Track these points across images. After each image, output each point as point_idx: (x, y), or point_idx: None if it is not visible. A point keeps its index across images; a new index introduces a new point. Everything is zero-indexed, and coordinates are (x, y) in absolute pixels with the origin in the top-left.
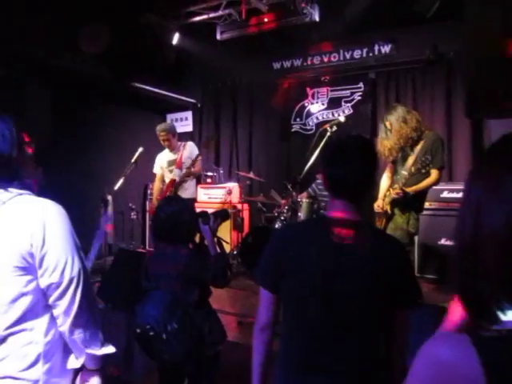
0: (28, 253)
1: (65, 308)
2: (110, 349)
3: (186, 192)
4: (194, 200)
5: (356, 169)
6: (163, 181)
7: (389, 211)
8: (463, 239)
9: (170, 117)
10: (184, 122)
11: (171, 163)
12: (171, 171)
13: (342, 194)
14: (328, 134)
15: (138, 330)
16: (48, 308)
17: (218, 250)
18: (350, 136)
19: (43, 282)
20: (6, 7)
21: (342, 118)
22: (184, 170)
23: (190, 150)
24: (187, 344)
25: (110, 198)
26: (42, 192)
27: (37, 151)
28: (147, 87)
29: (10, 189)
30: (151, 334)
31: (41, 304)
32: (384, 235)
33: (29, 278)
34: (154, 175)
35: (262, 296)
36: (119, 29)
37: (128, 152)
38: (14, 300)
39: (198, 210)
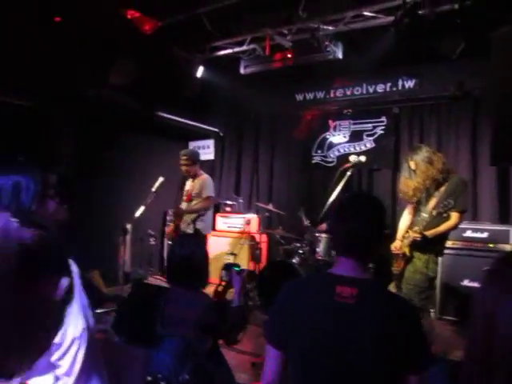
0: None
1: (66, 369)
2: None
3: (186, 227)
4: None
5: (367, 225)
6: None
7: (407, 254)
8: (473, 345)
9: (192, 144)
10: (206, 150)
11: (186, 193)
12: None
13: (351, 250)
14: (348, 173)
15: (149, 378)
16: (52, 366)
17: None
18: (360, 194)
19: None
20: (33, 41)
21: (362, 158)
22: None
23: (201, 186)
24: None
25: (129, 226)
26: (66, 228)
27: (62, 181)
28: (171, 116)
29: None
30: (162, 383)
31: (45, 362)
32: (392, 296)
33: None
34: (174, 202)
35: (268, 352)
36: (146, 61)
37: (150, 180)
38: None
39: (212, 237)
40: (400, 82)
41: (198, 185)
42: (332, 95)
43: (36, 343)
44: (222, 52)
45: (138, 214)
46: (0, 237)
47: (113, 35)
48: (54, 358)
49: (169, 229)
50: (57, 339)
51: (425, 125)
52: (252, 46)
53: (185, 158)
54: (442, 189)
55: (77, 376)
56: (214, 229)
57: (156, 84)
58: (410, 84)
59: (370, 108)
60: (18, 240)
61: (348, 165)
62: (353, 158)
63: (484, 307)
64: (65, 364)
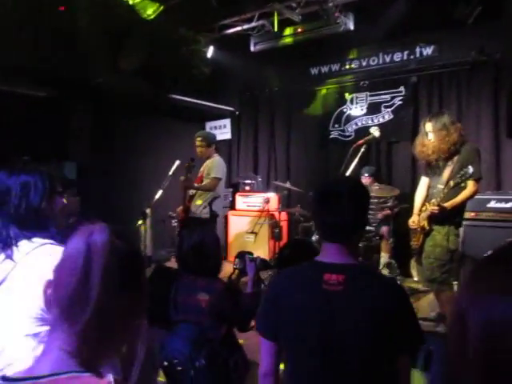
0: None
1: None
2: None
3: (200, 210)
4: (205, 220)
5: (345, 213)
6: None
7: (426, 227)
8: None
9: (208, 125)
10: (223, 130)
11: (199, 174)
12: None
13: (334, 238)
14: (362, 149)
15: (166, 363)
16: None
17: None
18: (338, 179)
19: None
20: (47, 34)
21: (376, 133)
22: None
23: (210, 166)
24: (214, 380)
25: (148, 210)
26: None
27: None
28: (185, 98)
29: (34, 239)
30: (179, 368)
31: None
32: (380, 279)
33: (47, 328)
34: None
35: (262, 344)
36: (156, 44)
37: (168, 162)
38: (34, 348)
39: (231, 216)
40: (418, 50)
41: (208, 166)
42: (347, 67)
43: (120, 340)
44: (231, 30)
45: (156, 197)
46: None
47: (119, 21)
48: None
49: (179, 209)
50: None
51: (444, 93)
52: (261, 23)
53: (199, 139)
54: (455, 158)
55: None
56: (233, 208)
57: (167, 67)
58: (428, 51)
59: (387, 78)
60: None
61: (361, 142)
62: (373, 130)
63: (458, 306)
64: None
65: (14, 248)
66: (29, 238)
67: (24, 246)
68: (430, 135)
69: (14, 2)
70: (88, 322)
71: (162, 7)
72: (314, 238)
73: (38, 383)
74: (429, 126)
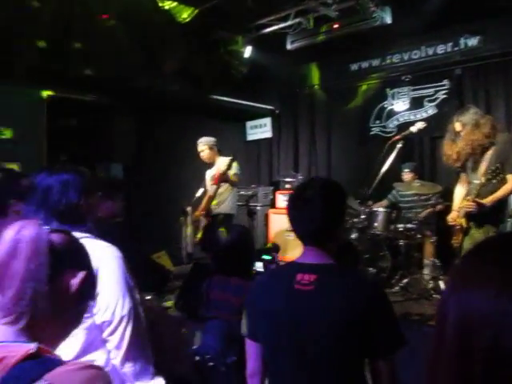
0: None
1: (116, 343)
2: (159, 381)
3: (222, 207)
4: (229, 216)
5: (315, 219)
6: None
7: (463, 225)
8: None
9: (249, 124)
10: (263, 129)
11: (211, 178)
12: (211, 186)
13: (308, 237)
14: (399, 145)
15: (198, 358)
16: (105, 342)
17: None
18: (312, 181)
19: (97, 320)
20: (92, 41)
21: (413, 129)
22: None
23: (224, 166)
24: (244, 378)
25: (189, 209)
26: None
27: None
28: (225, 98)
29: (72, 233)
30: (210, 364)
31: (99, 338)
32: (355, 278)
33: (87, 315)
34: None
35: (247, 345)
36: (194, 46)
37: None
38: (77, 334)
39: (272, 214)
40: (462, 41)
41: (223, 165)
42: (388, 61)
43: (61, 323)
44: (268, 29)
45: (196, 195)
46: (34, 241)
47: (157, 25)
48: (105, 334)
49: (198, 212)
50: (107, 317)
51: (491, 85)
52: (297, 20)
53: (201, 144)
54: (490, 152)
55: (126, 349)
56: (274, 206)
57: (206, 68)
58: (472, 42)
59: (430, 72)
60: (48, 242)
61: (397, 137)
62: (415, 127)
63: (441, 297)
64: (114, 339)
65: None
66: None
67: None
68: (461, 134)
69: (57, 11)
70: (14, 301)
71: (196, 11)
72: (354, 235)
73: None
74: (458, 126)
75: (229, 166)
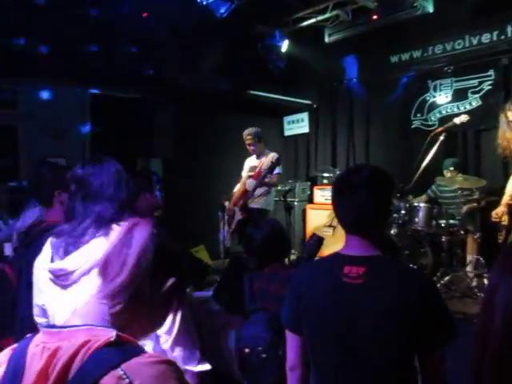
0: None
1: (167, 328)
2: (205, 366)
3: (255, 202)
4: (265, 211)
5: (363, 206)
6: (245, 185)
7: (503, 222)
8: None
9: (286, 119)
10: (300, 124)
11: (252, 169)
12: (249, 177)
13: (355, 226)
14: (441, 138)
15: (247, 350)
16: None
17: None
18: (358, 168)
19: None
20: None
21: (457, 121)
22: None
23: (269, 160)
24: None
25: (227, 203)
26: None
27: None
28: (263, 93)
29: (113, 225)
30: (263, 356)
31: None
32: (404, 270)
33: None
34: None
35: (288, 337)
36: (232, 43)
37: (247, 156)
38: None
39: (309, 210)
40: (509, 29)
41: (267, 162)
42: (430, 52)
43: (149, 319)
44: (305, 23)
45: (234, 190)
46: (147, 239)
47: (195, 22)
48: None
49: (231, 205)
50: None
51: None
52: (335, 13)
53: (249, 137)
54: None
55: (175, 335)
56: (311, 201)
57: (244, 63)
58: None
59: (474, 62)
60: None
61: (440, 129)
62: (459, 120)
63: (490, 282)
64: (166, 324)
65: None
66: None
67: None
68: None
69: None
70: (119, 288)
71: (233, 5)
72: (393, 231)
73: (66, 331)
74: (510, 114)
75: (271, 169)
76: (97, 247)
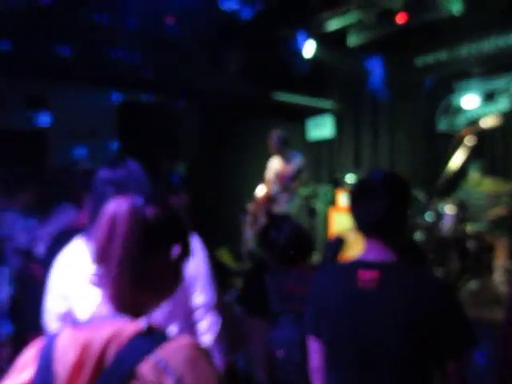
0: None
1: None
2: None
3: (279, 206)
4: (288, 216)
5: (379, 209)
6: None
7: None
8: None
9: (310, 123)
10: (324, 127)
11: (277, 174)
12: (274, 182)
13: (372, 230)
14: (468, 140)
15: (281, 354)
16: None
17: None
18: (379, 171)
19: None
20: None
21: (484, 123)
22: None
23: (296, 165)
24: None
25: (250, 206)
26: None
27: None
28: (286, 96)
29: None
30: (297, 359)
31: (179, 310)
32: (420, 276)
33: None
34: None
35: (310, 341)
36: (256, 45)
37: (269, 160)
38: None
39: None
40: None
41: (292, 167)
42: (456, 54)
43: (159, 292)
44: (330, 26)
45: (257, 191)
46: (129, 213)
47: (220, 25)
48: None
49: (254, 207)
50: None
51: None
52: (359, 15)
53: (275, 138)
54: None
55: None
56: (335, 205)
57: (268, 66)
58: None
59: (503, 62)
60: (142, 215)
61: (466, 131)
62: (486, 122)
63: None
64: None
65: None
66: None
67: None
68: None
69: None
70: (118, 276)
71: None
72: (419, 236)
73: (93, 325)
74: None
75: (295, 178)
76: None
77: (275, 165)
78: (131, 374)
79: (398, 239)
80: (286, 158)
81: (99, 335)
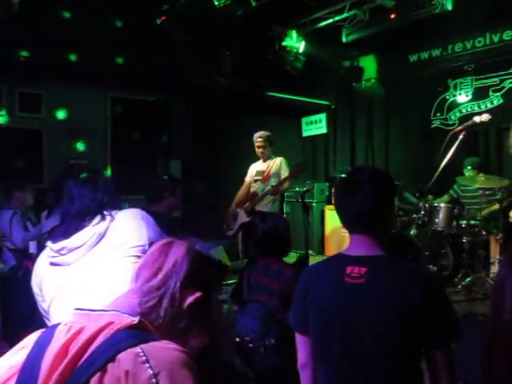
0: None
1: None
2: None
3: (262, 206)
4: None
5: (365, 203)
6: (249, 189)
7: None
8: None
9: (304, 120)
10: (319, 124)
11: (259, 173)
12: (256, 181)
13: (358, 226)
14: (461, 136)
15: (238, 339)
16: None
17: None
18: (362, 167)
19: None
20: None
21: (477, 119)
22: (268, 187)
23: (279, 166)
24: (284, 359)
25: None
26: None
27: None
28: (281, 95)
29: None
30: (250, 345)
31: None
32: (407, 269)
33: None
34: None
35: (296, 337)
36: (249, 44)
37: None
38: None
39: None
40: None
41: (276, 166)
42: (450, 51)
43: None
44: (323, 23)
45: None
46: (185, 251)
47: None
48: None
49: (230, 209)
50: None
51: None
52: (352, 12)
53: (260, 139)
54: None
55: None
56: (330, 202)
57: (262, 65)
58: None
59: (495, 60)
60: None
61: (459, 128)
62: (479, 118)
63: (499, 275)
64: None
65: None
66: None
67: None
68: None
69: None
70: (152, 288)
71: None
72: (413, 231)
73: (95, 314)
74: None
75: (281, 184)
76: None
77: (257, 166)
78: (110, 358)
79: (385, 234)
80: (268, 159)
81: (95, 323)
